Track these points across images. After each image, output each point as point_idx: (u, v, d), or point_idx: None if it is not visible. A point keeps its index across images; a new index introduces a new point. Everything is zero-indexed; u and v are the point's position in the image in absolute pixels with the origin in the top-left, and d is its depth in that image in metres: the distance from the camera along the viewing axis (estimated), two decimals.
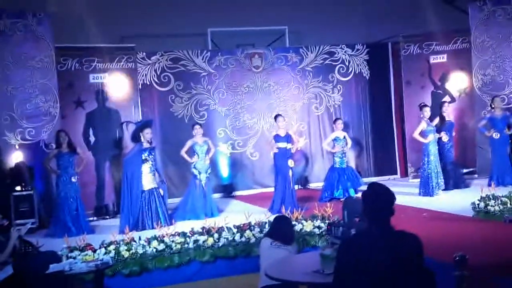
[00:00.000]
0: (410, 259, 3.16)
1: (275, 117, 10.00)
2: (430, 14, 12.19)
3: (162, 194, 9.16)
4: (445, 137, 10.52)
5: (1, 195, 9.37)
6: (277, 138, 9.73)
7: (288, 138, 9.72)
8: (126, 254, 6.79)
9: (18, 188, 9.50)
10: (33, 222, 9.10)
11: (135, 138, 9.36)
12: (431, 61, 12.32)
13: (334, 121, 10.83)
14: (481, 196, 8.28)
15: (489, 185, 9.63)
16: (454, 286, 4.45)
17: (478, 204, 8.13)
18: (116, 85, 10.87)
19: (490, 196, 8.21)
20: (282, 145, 9.66)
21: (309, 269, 4.47)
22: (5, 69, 9.70)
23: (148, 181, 8.98)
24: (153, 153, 9.12)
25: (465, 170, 11.44)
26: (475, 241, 6.76)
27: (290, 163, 9.64)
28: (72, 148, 9.15)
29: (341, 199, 9.50)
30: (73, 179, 9.05)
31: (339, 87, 12.78)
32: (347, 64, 12.80)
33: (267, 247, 5.34)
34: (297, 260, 5.15)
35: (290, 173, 9.63)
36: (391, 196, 3.26)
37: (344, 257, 3.22)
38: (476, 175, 11.69)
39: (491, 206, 7.97)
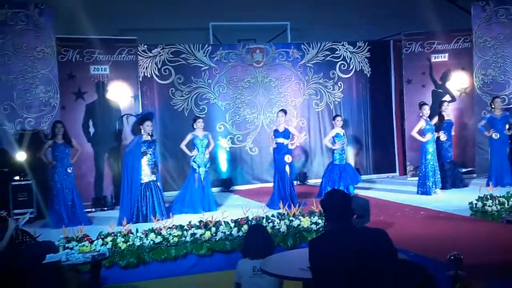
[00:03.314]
0: (379, 252, 3.31)
1: (278, 112, 10.05)
2: (433, 12, 12.17)
3: (160, 187, 9.17)
4: (442, 136, 10.55)
5: (0, 184, 9.39)
6: (276, 133, 9.80)
7: (286, 134, 9.74)
8: (123, 246, 6.82)
9: (17, 177, 9.53)
10: (32, 212, 9.14)
11: (135, 130, 9.37)
12: (432, 60, 12.31)
13: (334, 118, 10.82)
14: (478, 196, 8.30)
15: (488, 185, 9.64)
16: (448, 285, 4.47)
17: (476, 204, 8.15)
18: (117, 77, 10.86)
19: (488, 196, 8.22)
20: (280, 140, 9.72)
21: (305, 265, 4.48)
22: (6, 59, 9.67)
23: (145, 174, 8.99)
24: (152, 147, 9.10)
25: (464, 170, 11.46)
26: (471, 240, 6.79)
27: (287, 158, 9.65)
28: (67, 140, 9.16)
29: None
30: (68, 170, 9.07)
31: (340, 84, 12.77)
32: (348, 61, 12.79)
33: (249, 275, 4.75)
34: (293, 256, 5.15)
35: (287, 168, 9.64)
36: (348, 199, 3.57)
37: (315, 256, 3.40)
38: (475, 175, 11.72)
39: (489, 206, 7.99)
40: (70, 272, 5.88)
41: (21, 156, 9.46)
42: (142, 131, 9.06)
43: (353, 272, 3.23)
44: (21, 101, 9.77)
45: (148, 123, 9.06)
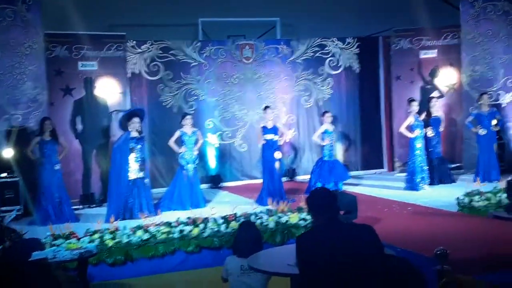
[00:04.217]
0: (366, 247, 3.33)
1: (264, 109, 10.04)
2: (422, 9, 12.20)
3: (147, 184, 9.13)
4: (430, 132, 10.59)
5: None
6: (264, 130, 9.80)
7: (275, 130, 9.76)
8: (110, 243, 6.79)
9: (3, 174, 9.46)
10: (19, 209, 9.08)
11: (122, 126, 9.32)
12: (421, 56, 12.35)
13: (323, 114, 10.83)
14: (466, 192, 8.34)
15: (475, 180, 9.69)
16: (434, 279, 4.49)
17: (463, 199, 8.20)
18: (105, 73, 10.80)
19: (475, 192, 8.27)
20: (269, 136, 9.73)
21: (293, 261, 4.48)
22: None
23: (133, 170, 8.94)
24: (140, 143, 9.06)
25: (451, 166, 11.51)
26: (458, 236, 6.82)
27: (277, 155, 9.67)
28: (55, 136, 9.11)
29: None
30: (56, 167, 9.02)
31: (329, 80, 12.78)
32: (337, 57, 12.79)
33: (237, 274, 4.74)
34: (281, 252, 5.16)
35: (277, 164, 9.66)
36: (333, 196, 3.58)
37: (302, 252, 3.40)
38: (462, 171, 11.77)
39: (476, 201, 8.03)
40: (57, 269, 5.83)
41: (8, 153, 9.40)
42: (130, 127, 9.01)
43: (340, 267, 3.25)
44: (8, 97, 9.71)
45: (135, 119, 9.02)
